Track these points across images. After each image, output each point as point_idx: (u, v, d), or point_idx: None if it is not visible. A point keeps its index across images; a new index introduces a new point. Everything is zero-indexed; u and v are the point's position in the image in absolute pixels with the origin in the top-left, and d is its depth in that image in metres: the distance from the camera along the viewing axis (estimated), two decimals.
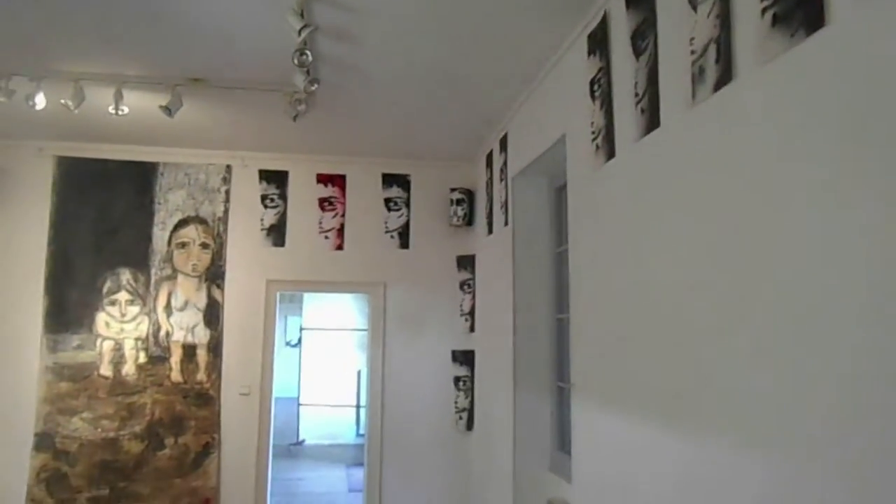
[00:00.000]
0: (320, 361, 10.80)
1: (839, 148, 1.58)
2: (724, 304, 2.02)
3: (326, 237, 5.89)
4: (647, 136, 2.54)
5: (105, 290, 5.54)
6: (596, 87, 3.08)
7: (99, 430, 5.38)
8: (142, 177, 5.68)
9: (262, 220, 5.82)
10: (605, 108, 2.96)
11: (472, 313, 5.85)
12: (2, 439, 5.29)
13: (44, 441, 5.33)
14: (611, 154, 2.92)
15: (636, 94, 2.64)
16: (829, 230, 1.60)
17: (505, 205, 4.81)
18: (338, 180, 5.97)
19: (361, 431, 9.89)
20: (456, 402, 5.84)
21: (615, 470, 2.85)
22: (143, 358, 5.51)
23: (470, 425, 5.77)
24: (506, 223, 4.78)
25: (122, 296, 5.55)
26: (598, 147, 3.05)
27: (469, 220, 5.92)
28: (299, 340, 11.20)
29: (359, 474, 7.28)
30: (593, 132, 3.10)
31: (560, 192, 4.45)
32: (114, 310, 5.53)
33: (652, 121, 2.50)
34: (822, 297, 1.62)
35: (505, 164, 4.85)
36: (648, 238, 2.55)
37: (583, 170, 3.28)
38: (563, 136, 3.58)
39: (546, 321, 4.48)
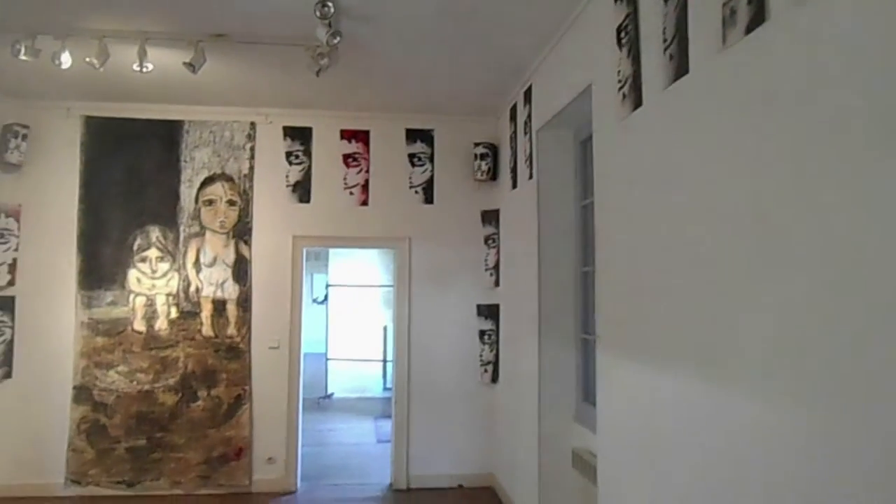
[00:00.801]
0: (347, 318, 10.94)
1: (881, 88, 1.53)
2: (758, 253, 1.99)
3: (351, 193, 5.91)
4: (676, 83, 2.50)
5: (135, 247, 5.64)
6: (623, 34, 3.02)
7: (134, 382, 5.55)
8: (168, 135, 5.73)
9: (287, 176, 5.85)
10: (632, 55, 2.91)
11: (496, 268, 5.87)
12: (44, 392, 5.48)
13: (82, 394, 5.51)
14: (638, 103, 2.87)
15: (664, 40, 2.59)
16: (873, 174, 1.55)
17: (529, 158, 4.77)
18: (362, 136, 5.96)
19: (388, 385, 10.07)
20: (481, 356, 5.91)
21: (640, 420, 2.87)
22: (174, 313, 5.63)
23: (495, 378, 5.85)
24: (530, 177, 4.75)
25: (153, 252, 5.65)
26: (624, 96, 3.01)
27: (493, 174, 5.89)
28: (326, 297, 11.34)
29: (386, 426, 7.42)
30: (620, 81, 3.05)
31: (585, 144, 4.40)
32: (144, 266, 5.64)
33: (680, 67, 2.45)
34: (864, 245, 1.57)
35: (529, 116, 4.80)
36: (677, 187, 2.52)
37: (609, 120, 3.24)
38: (589, 87, 3.53)
39: (571, 274, 4.49)
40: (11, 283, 5.46)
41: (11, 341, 5.46)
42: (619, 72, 3.07)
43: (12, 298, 5.47)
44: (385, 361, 10.66)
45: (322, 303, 11.57)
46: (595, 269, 3.54)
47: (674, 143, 2.56)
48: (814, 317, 1.73)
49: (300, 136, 5.88)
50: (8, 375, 5.44)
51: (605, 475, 3.32)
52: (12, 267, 5.46)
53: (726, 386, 2.15)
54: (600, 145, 3.43)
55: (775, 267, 1.90)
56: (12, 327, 5.47)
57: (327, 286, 11.24)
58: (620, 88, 3.04)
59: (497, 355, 5.85)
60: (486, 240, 5.94)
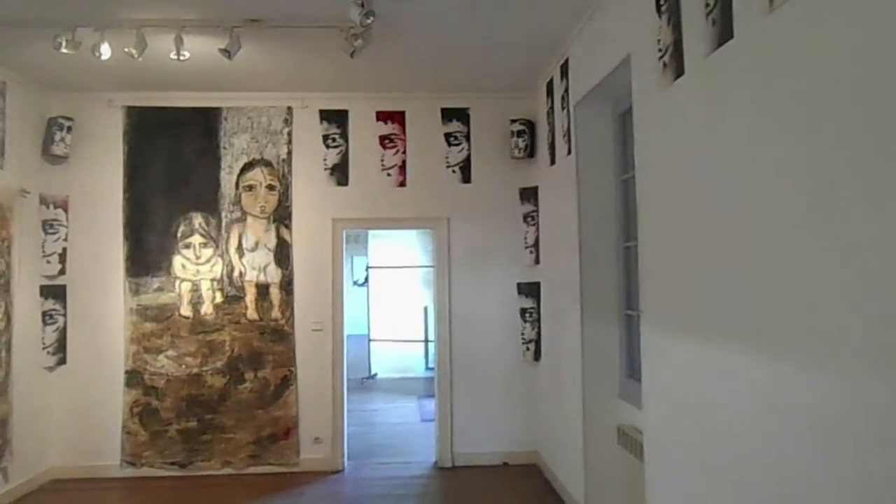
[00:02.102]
0: (387, 299, 11.02)
1: None
2: (811, 223, 1.93)
3: (389, 174, 5.92)
4: (720, 50, 2.42)
5: (179, 234, 5.75)
6: (663, 0, 2.93)
7: (183, 366, 5.68)
8: (207, 122, 5.80)
9: (324, 159, 5.88)
10: (672, 22, 2.83)
11: (536, 245, 5.82)
12: (97, 377, 5.65)
13: (134, 378, 5.67)
14: (679, 72, 2.79)
15: (707, 5, 2.51)
16: None
17: (567, 133, 4.70)
18: (397, 117, 5.95)
19: (430, 365, 10.13)
20: (523, 334, 5.89)
21: (687, 395, 2.83)
22: (219, 298, 5.74)
23: (537, 356, 5.83)
24: (569, 152, 4.69)
25: (196, 239, 5.75)
26: (665, 65, 2.93)
27: (530, 151, 5.83)
28: (366, 279, 11.43)
29: (430, 405, 7.47)
30: (660, 50, 2.97)
31: (624, 117, 4.32)
32: (189, 253, 5.75)
33: (724, 32, 2.37)
34: None
35: (566, 91, 4.73)
36: (724, 157, 2.45)
37: (649, 90, 3.16)
38: (628, 57, 3.45)
39: (612, 250, 4.43)
40: (62, 272, 5.61)
41: (65, 329, 5.64)
42: (658, 40, 2.99)
43: (63, 287, 5.64)
44: (426, 342, 10.73)
45: (363, 285, 11.67)
46: (638, 243, 3.48)
47: (719, 110, 2.48)
48: (874, 288, 1.67)
49: (336, 118, 5.90)
50: (63, 362, 5.63)
51: (653, 452, 3.29)
52: (62, 256, 5.61)
53: (784, 359, 2.07)
54: (641, 117, 3.35)
55: (831, 238, 1.83)
56: (65, 315, 5.64)
57: (367, 268, 11.31)
58: (661, 57, 2.96)
59: (539, 333, 5.83)
60: (525, 217, 5.89)
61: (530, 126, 5.82)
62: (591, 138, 4.47)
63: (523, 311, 5.89)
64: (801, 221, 1.98)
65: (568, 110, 4.67)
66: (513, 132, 5.83)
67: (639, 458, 3.63)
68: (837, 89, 1.79)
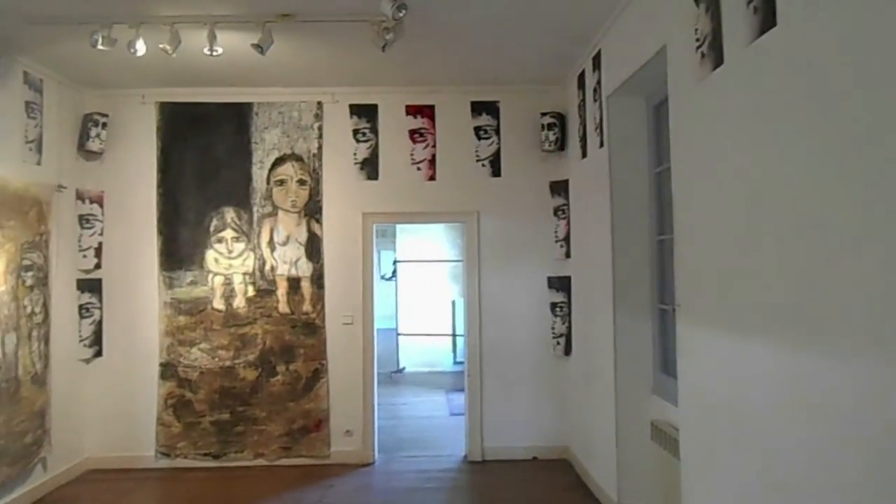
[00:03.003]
0: (415, 293, 11.04)
1: None
2: (854, 216, 1.88)
3: (418, 168, 5.92)
4: (762, 38, 2.36)
5: (212, 228, 5.81)
6: None
7: (216, 359, 5.75)
8: (238, 118, 5.85)
9: (354, 154, 5.90)
10: (711, 11, 2.77)
11: (566, 239, 5.78)
12: (133, 370, 5.75)
13: (168, 370, 5.75)
14: (718, 61, 2.74)
15: None
16: None
17: (599, 126, 4.66)
18: (427, 111, 5.94)
19: (458, 359, 10.14)
20: (553, 328, 5.86)
21: (726, 392, 2.79)
22: (251, 291, 5.79)
23: (568, 350, 5.80)
24: (601, 145, 4.64)
25: (228, 233, 5.81)
26: (703, 55, 2.88)
27: (561, 144, 5.78)
28: (394, 273, 11.46)
29: (458, 399, 7.48)
30: (698, 39, 2.92)
31: (658, 108, 4.26)
32: (221, 247, 5.81)
33: (767, 19, 2.31)
34: None
35: (598, 83, 4.68)
36: (765, 148, 2.40)
37: (686, 82, 3.11)
38: (663, 48, 3.40)
39: (646, 243, 4.38)
40: (98, 266, 5.71)
41: (101, 322, 5.74)
42: (696, 30, 2.94)
43: (99, 281, 5.73)
44: (454, 336, 10.73)
45: (390, 279, 11.71)
46: (673, 236, 3.43)
47: (761, 100, 2.43)
48: None
49: (366, 113, 5.91)
50: (99, 354, 5.73)
51: (689, 449, 3.25)
52: (98, 251, 5.71)
53: (827, 356, 2.03)
54: (677, 108, 3.30)
55: (882, 229, 1.78)
56: (101, 308, 5.73)
57: (395, 262, 11.35)
58: (699, 48, 2.91)
59: (569, 328, 5.79)
60: (556, 211, 5.85)
61: (561, 119, 5.77)
62: (623, 131, 4.42)
63: (553, 306, 5.86)
64: (844, 214, 1.93)
65: (600, 102, 4.63)
66: (543, 125, 5.78)
67: (674, 454, 3.59)
68: (887, 77, 1.74)
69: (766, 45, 2.35)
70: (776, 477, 2.36)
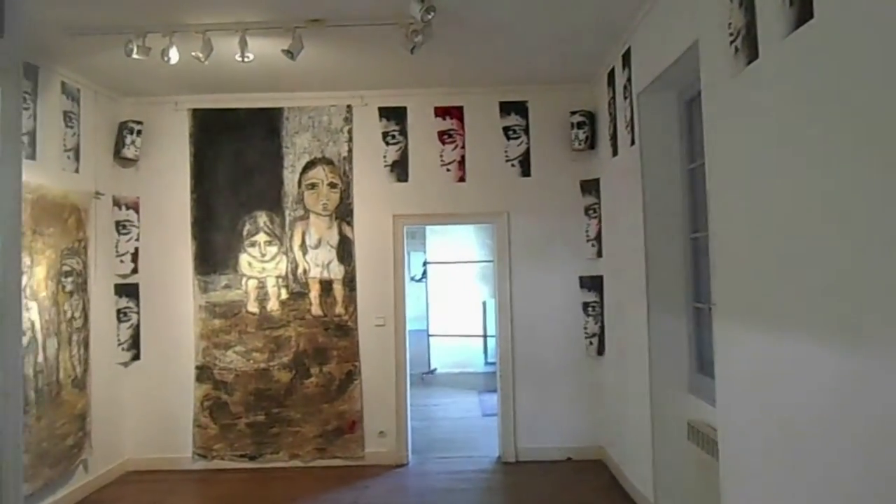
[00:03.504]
0: (445, 295, 11.06)
1: None
2: None
3: (448, 170, 5.92)
4: (798, 31, 2.32)
5: (245, 232, 5.89)
6: None
7: (251, 361, 5.83)
8: (269, 123, 5.92)
9: (384, 156, 5.93)
10: (744, 4, 2.73)
11: (598, 238, 5.74)
12: (169, 373, 5.85)
13: (204, 373, 5.84)
14: (753, 56, 2.70)
15: None
16: None
17: (630, 124, 4.62)
18: (455, 112, 5.95)
19: (489, 360, 10.12)
20: (585, 328, 5.82)
21: (764, 391, 2.74)
22: (284, 294, 5.85)
23: (601, 350, 5.75)
24: (632, 143, 4.60)
25: (261, 237, 5.88)
26: (737, 50, 2.83)
27: (591, 143, 5.74)
28: (424, 274, 11.49)
29: (491, 400, 7.47)
30: (731, 34, 2.88)
31: (690, 104, 4.21)
32: (254, 251, 5.88)
33: (803, 12, 2.27)
34: None
35: (629, 80, 4.63)
36: (803, 142, 2.35)
37: (720, 77, 3.07)
38: (696, 43, 3.35)
39: (679, 241, 4.33)
40: (135, 270, 5.82)
41: (138, 326, 5.84)
42: (729, 24, 2.89)
43: (136, 285, 5.84)
44: (485, 336, 10.72)
45: (420, 280, 11.74)
46: (708, 234, 3.39)
47: (798, 94, 2.38)
48: None
49: (395, 115, 5.93)
50: (136, 357, 5.83)
51: (728, 449, 3.20)
52: (135, 256, 5.82)
53: (883, 356, 1.95)
54: (710, 104, 3.26)
55: None
56: (138, 313, 5.84)
57: (425, 264, 11.37)
58: (732, 42, 2.87)
59: (602, 327, 5.75)
60: (587, 210, 5.81)
61: (591, 117, 5.74)
62: (655, 128, 4.38)
63: (586, 305, 5.82)
64: (893, 208, 1.88)
65: (631, 100, 4.58)
66: (573, 124, 5.75)
67: (712, 454, 3.54)
68: None
69: (803, 38, 2.30)
70: (823, 483, 2.31)
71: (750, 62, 2.73)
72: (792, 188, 2.45)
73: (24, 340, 4.47)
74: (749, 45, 2.72)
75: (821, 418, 2.29)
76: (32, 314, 4.61)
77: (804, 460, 2.42)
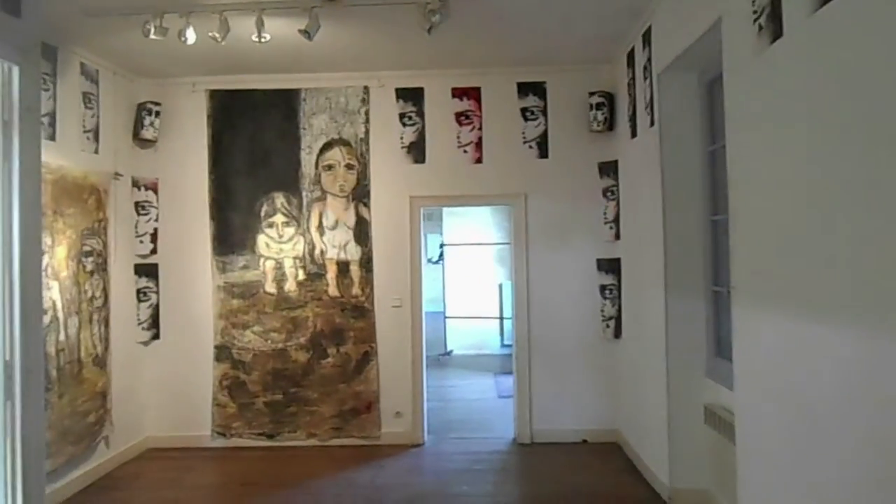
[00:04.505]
0: (462, 276, 11.06)
1: None
2: None
3: (465, 151, 5.89)
4: (826, 7, 2.26)
5: (262, 213, 5.91)
6: None
7: (269, 341, 5.87)
8: (286, 104, 5.91)
9: (401, 138, 5.90)
10: None
11: (616, 220, 5.70)
12: (188, 352, 5.91)
13: (223, 352, 5.90)
14: (777, 34, 2.64)
15: None
16: None
17: (650, 104, 4.56)
18: (473, 93, 5.90)
19: (506, 342, 10.13)
20: (602, 311, 5.80)
21: (783, 376, 2.71)
22: (301, 275, 5.88)
23: (618, 333, 5.73)
24: (651, 124, 4.54)
25: (279, 218, 5.90)
26: (761, 27, 2.78)
27: (610, 124, 5.68)
28: (440, 256, 11.50)
29: (506, 382, 7.49)
30: (755, 11, 2.82)
31: (711, 85, 4.15)
32: (272, 231, 5.90)
33: None
34: None
35: (649, 60, 4.57)
36: (829, 123, 2.30)
37: (743, 56, 3.01)
38: (718, 21, 3.29)
39: (699, 224, 4.29)
40: (154, 251, 5.87)
41: (157, 305, 5.90)
42: (753, 1, 2.83)
43: (156, 266, 5.89)
44: (502, 318, 10.73)
45: (437, 262, 11.75)
46: (728, 216, 3.34)
47: (825, 73, 2.33)
48: None
49: (412, 97, 5.90)
50: (156, 337, 5.90)
51: (745, 434, 3.18)
52: (154, 236, 5.86)
53: (889, 340, 1.96)
54: (732, 84, 3.20)
55: None
56: (157, 292, 5.90)
57: (441, 246, 11.37)
58: (756, 19, 2.81)
59: (619, 310, 5.72)
60: (605, 192, 5.77)
61: (609, 98, 5.67)
62: (675, 108, 4.32)
63: (603, 288, 5.79)
64: None
65: (651, 80, 4.52)
66: (591, 105, 5.69)
67: (729, 438, 3.53)
68: None
69: (831, 14, 2.25)
70: (840, 466, 2.29)
71: (774, 40, 2.68)
72: (819, 171, 2.40)
73: (46, 319, 4.53)
74: (773, 23, 2.67)
75: (839, 402, 2.27)
76: (54, 293, 4.67)
77: (821, 444, 2.39)
